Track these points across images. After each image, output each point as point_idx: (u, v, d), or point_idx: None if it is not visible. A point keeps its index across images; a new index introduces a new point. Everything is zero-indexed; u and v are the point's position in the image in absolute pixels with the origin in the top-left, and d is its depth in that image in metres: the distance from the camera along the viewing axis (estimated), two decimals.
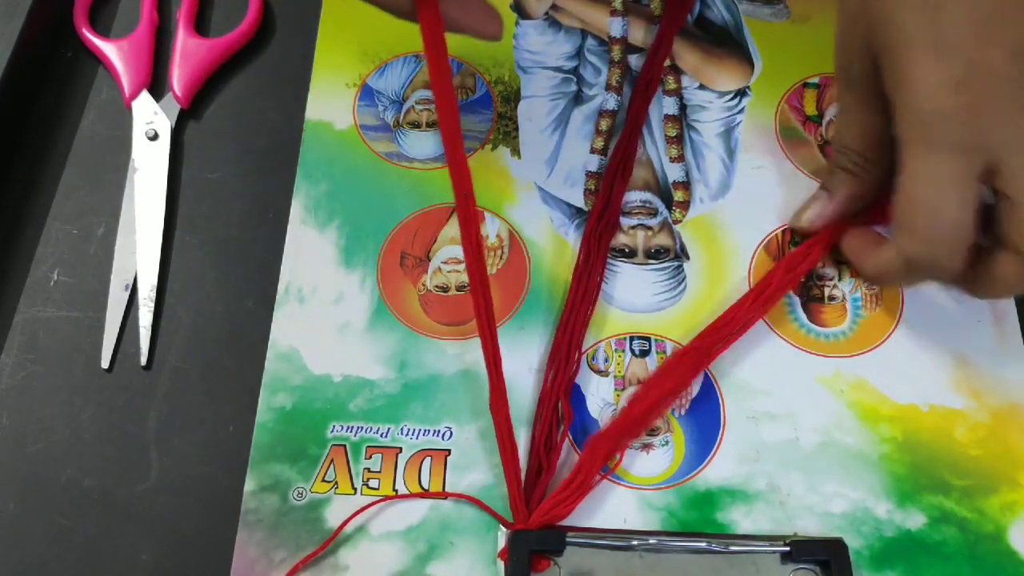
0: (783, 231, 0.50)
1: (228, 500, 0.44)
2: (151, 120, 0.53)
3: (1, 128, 0.52)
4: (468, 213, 0.43)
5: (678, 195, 0.51)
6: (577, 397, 0.46)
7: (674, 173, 0.52)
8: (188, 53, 0.55)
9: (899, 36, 0.40)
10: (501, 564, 0.42)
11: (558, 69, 0.55)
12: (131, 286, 0.49)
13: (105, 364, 0.47)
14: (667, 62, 0.55)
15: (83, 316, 0.49)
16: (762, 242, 0.50)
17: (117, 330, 0.48)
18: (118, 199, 0.52)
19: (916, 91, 0.40)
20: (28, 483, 0.45)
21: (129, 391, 0.47)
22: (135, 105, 0.54)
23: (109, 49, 0.55)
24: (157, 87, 0.55)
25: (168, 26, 0.57)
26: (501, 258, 0.49)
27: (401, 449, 0.45)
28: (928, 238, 0.41)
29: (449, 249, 0.50)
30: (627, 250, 0.50)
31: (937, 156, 0.40)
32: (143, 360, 0.47)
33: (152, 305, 0.49)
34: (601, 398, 0.46)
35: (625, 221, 0.50)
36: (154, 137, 0.53)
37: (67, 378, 0.47)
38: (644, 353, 0.47)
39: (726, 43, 0.56)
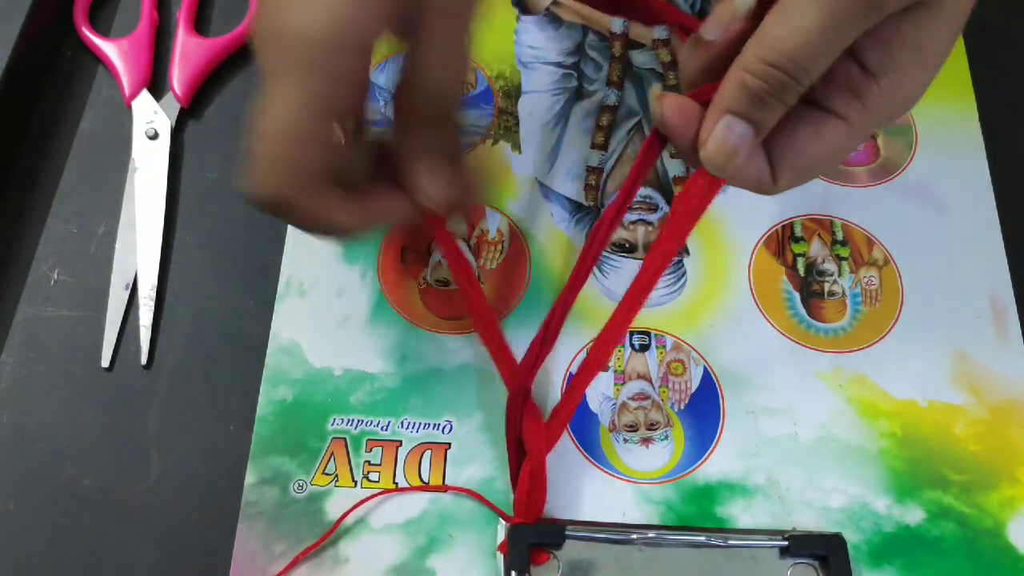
0: (783, 226, 0.52)
1: (228, 499, 0.45)
2: (151, 119, 0.55)
3: (1, 128, 0.54)
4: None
5: (678, 190, 0.53)
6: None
7: (675, 168, 0.54)
8: (188, 52, 0.57)
9: None
10: (501, 557, 0.44)
11: (559, 64, 0.57)
12: (131, 285, 0.51)
13: (105, 363, 0.49)
14: (668, 57, 0.57)
15: (83, 315, 0.50)
16: (762, 237, 0.52)
17: (117, 329, 0.50)
18: (118, 199, 0.53)
19: None
20: (28, 483, 0.46)
21: (129, 391, 0.49)
22: (135, 104, 0.56)
23: (109, 49, 0.57)
24: (157, 86, 0.57)
25: (168, 26, 0.59)
26: (501, 253, 0.51)
27: (401, 442, 0.47)
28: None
29: None
30: (627, 245, 0.52)
31: None
32: (143, 359, 0.49)
33: (152, 304, 0.50)
34: (601, 392, 0.48)
35: (625, 216, 0.52)
36: (154, 136, 0.55)
37: (67, 378, 0.49)
38: (644, 348, 0.49)
39: None
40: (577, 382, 0.45)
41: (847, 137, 0.38)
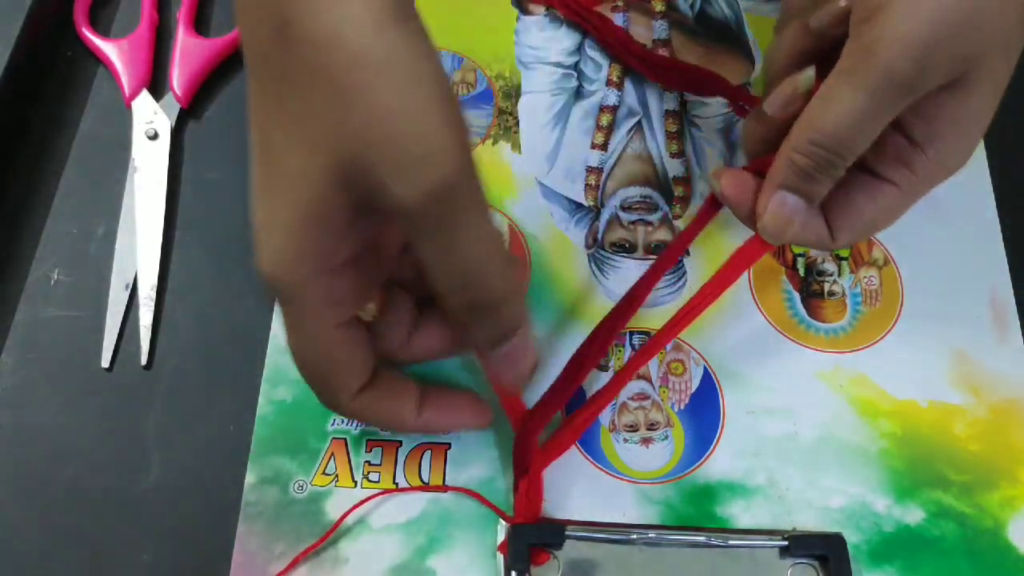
0: None
1: (228, 500, 0.46)
2: (151, 120, 0.56)
3: (1, 128, 0.54)
4: None
5: (678, 190, 0.54)
6: (577, 393, 0.48)
7: (674, 168, 0.54)
8: (188, 53, 0.57)
9: None
10: (501, 557, 0.44)
11: (559, 64, 0.58)
12: (131, 286, 0.51)
13: (105, 364, 0.49)
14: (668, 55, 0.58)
15: (83, 316, 0.51)
16: None
17: (117, 330, 0.50)
18: (118, 199, 0.54)
19: None
20: (28, 483, 0.47)
21: (129, 391, 0.49)
22: (135, 105, 0.56)
23: (109, 49, 0.57)
24: (157, 87, 0.57)
25: (168, 26, 0.59)
26: None
27: (401, 443, 0.47)
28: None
29: None
30: (627, 245, 0.52)
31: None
32: (143, 360, 0.49)
33: (152, 305, 0.50)
34: None
35: (625, 216, 0.53)
36: (154, 137, 0.55)
37: (67, 378, 0.49)
38: None
39: (727, 39, 0.58)
40: (590, 405, 0.46)
41: (900, 200, 0.42)
